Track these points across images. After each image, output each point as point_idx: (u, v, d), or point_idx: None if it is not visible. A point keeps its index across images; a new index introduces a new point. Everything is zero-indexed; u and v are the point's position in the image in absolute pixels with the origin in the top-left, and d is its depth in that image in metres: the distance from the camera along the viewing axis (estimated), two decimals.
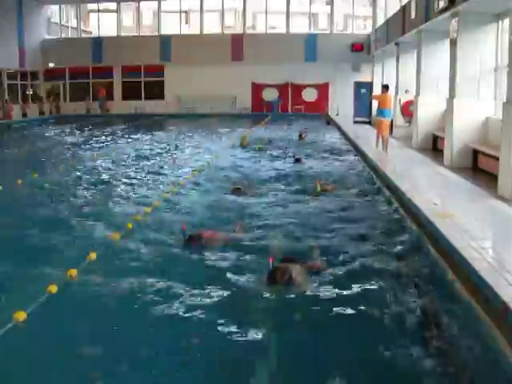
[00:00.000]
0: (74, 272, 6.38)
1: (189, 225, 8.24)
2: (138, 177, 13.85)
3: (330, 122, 31.59)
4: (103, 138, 24.27)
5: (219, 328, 5.05)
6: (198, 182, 12.83)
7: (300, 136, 23.08)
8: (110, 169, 15.27)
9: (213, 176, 13.86)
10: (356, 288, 6.07)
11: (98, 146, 21.17)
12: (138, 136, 24.74)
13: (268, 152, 18.85)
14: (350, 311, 5.49)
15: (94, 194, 11.87)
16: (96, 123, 32.51)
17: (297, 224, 8.85)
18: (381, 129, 17.24)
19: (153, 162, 16.68)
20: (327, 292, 5.89)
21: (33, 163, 16.36)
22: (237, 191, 11.25)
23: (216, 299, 5.73)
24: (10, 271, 6.62)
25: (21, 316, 5.15)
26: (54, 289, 5.86)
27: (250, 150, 19.27)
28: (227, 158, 17.58)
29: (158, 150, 19.46)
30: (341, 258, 7.01)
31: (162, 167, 15.44)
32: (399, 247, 7.55)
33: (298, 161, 16.29)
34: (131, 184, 12.80)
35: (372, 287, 6.06)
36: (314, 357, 4.62)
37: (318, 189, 11.12)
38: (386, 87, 17.89)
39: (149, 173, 14.39)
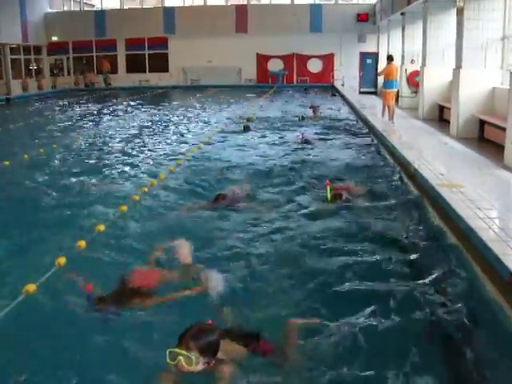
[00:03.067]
0: (82, 243, 6.48)
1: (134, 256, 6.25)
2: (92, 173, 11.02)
3: (334, 93, 31.24)
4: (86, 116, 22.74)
5: None
6: (171, 183, 9.99)
7: (313, 111, 20.30)
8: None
9: (194, 172, 11.05)
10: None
11: (82, 124, 19.96)
12: (129, 112, 23.67)
13: (273, 131, 16.90)
14: None
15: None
16: (92, 97, 32.30)
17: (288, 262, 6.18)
18: (387, 99, 17.33)
19: (130, 149, 14.10)
20: None
21: (36, 138, 16.33)
22: (220, 200, 8.31)
23: None
24: (18, 245, 6.71)
25: (31, 288, 5.23)
26: (62, 261, 5.93)
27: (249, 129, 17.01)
28: (219, 140, 15.34)
29: (145, 132, 17.33)
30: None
31: (133, 162, 12.25)
32: (405, 217, 7.58)
33: (306, 142, 14.23)
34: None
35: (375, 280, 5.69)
36: None
37: (329, 196, 8.21)
38: (390, 58, 17.89)
39: (115, 165, 11.91)
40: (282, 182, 10.05)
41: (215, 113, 22.76)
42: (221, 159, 12.36)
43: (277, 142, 14.88)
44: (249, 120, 19.09)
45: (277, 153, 13.22)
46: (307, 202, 8.50)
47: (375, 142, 14.44)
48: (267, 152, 13.38)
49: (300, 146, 13.92)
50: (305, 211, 7.97)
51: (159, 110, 24.09)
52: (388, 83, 17.46)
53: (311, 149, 13.60)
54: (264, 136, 15.98)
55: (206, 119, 20.43)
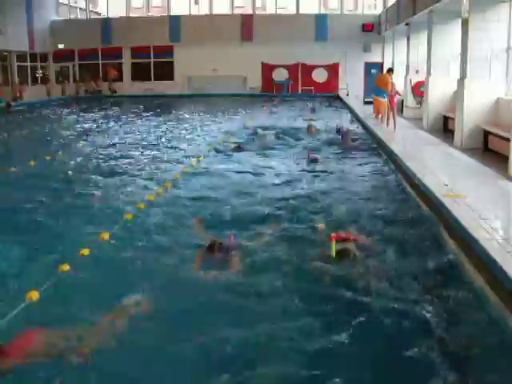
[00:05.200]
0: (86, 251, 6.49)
1: None
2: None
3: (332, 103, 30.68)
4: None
5: None
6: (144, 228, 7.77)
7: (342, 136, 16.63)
8: None
9: (176, 209, 8.78)
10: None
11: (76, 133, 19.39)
12: (128, 122, 22.85)
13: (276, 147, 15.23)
14: None
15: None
16: (94, 105, 32.13)
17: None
18: (378, 107, 17.79)
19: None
20: None
21: (42, 145, 16.38)
22: (215, 252, 6.39)
23: None
24: (21, 251, 6.72)
25: (34, 295, 5.25)
26: (65, 268, 5.94)
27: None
28: (212, 163, 13.09)
29: (138, 146, 16.01)
30: None
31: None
32: (409, 228, 7.56)
33: (313, 162, 12.66)
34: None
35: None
36: None
37: (334, 250, 6.22)
38: (388, 70, 18.77)
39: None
40: (280, 219, 8.11)
41: (215, 125, 21.47)
42: (205, 189, 10.24)
43: (279, 162, 13.08)
44: (257, 134, 17.39)
45: (278, 177, 11.41)
46: (308, 254, 6.55)
47: (387, 159, 12.94)
48: (266, 176, 11.51)
49: (306, 167, 12.32)
50: (305, 267, 6.21)
51: (159, 121, 23.44)
52: (376, 90, 18.41)
53: (319, 171, 11.86)
54: (263, 154, 14.22)
55: (201, 134, 18.87)
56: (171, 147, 15.80)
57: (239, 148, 14.79)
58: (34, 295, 5.25)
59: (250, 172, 11.88)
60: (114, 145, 16.45)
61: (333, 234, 6.31)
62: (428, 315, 4.94)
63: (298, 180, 11.09)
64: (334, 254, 6.20)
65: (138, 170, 12.22)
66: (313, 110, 26.91)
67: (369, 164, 12.91)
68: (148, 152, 14.90)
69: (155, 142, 16.88)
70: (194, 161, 12.98)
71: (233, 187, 10.37)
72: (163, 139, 17.60)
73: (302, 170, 12.09)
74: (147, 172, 12.02)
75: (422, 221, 7.91)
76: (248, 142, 16.19)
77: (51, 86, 39.20)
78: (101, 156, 14.35)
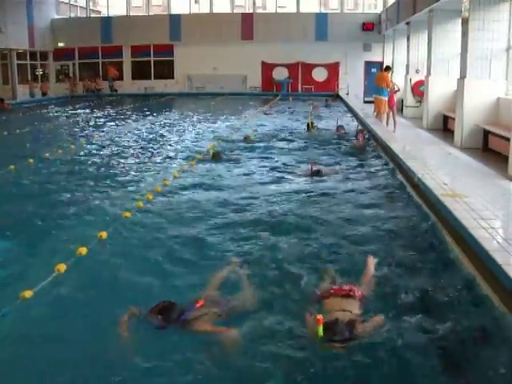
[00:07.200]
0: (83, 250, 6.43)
1: None
2: None
3: (328, 103, 30.44)
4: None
5: None
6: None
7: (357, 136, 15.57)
8: None
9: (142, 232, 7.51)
10: None
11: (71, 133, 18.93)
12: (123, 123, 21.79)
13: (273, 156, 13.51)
14: None
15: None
16: (92, 104, 31.93)
17: None
18: (379, 106, 17.82)
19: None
20: None
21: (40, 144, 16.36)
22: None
23: None
24: (18, 250, 6.72)
25: (28, 294, 5.22)
26: (62, 268, 5.87)
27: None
28: (190, 179, 10.85)
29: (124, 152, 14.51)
30: None
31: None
32: (409, 228, 7.54)
33: (316, 174, 10.90)
34: None
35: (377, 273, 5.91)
36: None
37: (321, 333, 4.39)
38: (385, 68, 19.08)
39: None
40: (267, 265, 6.21)
41: (206, 128, 19.89)
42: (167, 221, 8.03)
43: (274, 176, 11.20)
44: (247, 139, 15.87)
45: (270, 196, 9.35)
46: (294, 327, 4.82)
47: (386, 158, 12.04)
48: (255, 195, 9.45)
49: (308, 181, 10.63)
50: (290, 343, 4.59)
51: (153, 122, 22.31)
52: (375, 89, 18.56)
53: (322, 185, 10.28)
54: (253, 164, 12.56)
55: (185, 139, 17.01)
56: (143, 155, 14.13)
57: (220, 157, 12.97)
58: (28, 294, 5.21)
59: (227, 193, 9.65)
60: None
61: (318, 317, 4.44)
62: (427, 318, 4.93)
63: (294, 195, 9.48)
64: (320, 333, 4.43)
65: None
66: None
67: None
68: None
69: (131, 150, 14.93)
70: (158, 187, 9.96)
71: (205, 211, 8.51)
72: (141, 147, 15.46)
73: (303, 185, 10.39)
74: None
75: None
76: (233, 149, 14.50)
77: (77, 83, 39.97)
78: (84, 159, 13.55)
